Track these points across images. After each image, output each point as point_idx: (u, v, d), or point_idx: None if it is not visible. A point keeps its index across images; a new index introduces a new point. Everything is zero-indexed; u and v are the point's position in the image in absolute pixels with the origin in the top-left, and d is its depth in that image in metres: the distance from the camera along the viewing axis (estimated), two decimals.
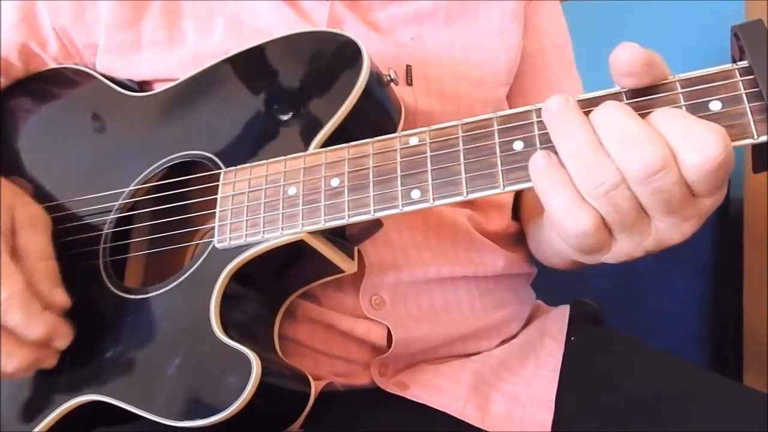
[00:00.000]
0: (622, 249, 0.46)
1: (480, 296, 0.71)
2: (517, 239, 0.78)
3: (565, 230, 0.44)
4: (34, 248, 0.56)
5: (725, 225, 1.14)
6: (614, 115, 0.42)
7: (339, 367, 0.66)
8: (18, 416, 0.58)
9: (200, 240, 0.68)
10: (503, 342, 0.72)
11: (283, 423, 0.56)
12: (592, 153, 0.42)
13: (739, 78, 0.43)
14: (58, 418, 0.57)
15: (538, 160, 0.45)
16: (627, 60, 0.43)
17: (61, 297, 0.57)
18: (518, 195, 0.79)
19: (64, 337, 0.56)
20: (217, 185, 0.58)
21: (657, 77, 0.44)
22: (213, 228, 0.66)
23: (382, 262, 0.65)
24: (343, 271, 0.60)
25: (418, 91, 0.67)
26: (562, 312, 0.76)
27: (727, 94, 0.43)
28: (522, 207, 0.77)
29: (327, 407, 0.61)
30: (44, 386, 0.58)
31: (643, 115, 0.43)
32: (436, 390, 0.65)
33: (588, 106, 0.46)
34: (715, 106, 0.43)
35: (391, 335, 0.64)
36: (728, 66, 0.44)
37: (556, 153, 0.44)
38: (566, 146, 0.43)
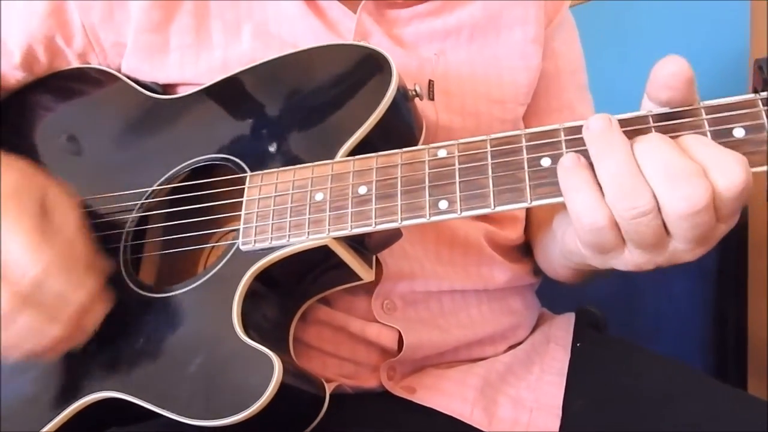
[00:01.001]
0: (634, 260, 0.47)
1: (489, 303, 0.73)
2: (525, 252, 0.79)
3: (581, 224, 0.45)
4: (68, 226, 0.56)
5: (729, 232, 1.15)
6: (660, 147, 0.43)
7: (347, 369, 0.67)
8: (33, 410, 0.58)
9: (216, 242, 0.69)
10: (510, 348, 0.74)
11: (298, 426, 0.56)
12: (633, 176, 0.43)
13: (761, 108, 0.45)
14: (73, 413, 0.57)
15: (567, 160, 0.46)
16: (673, 74, 0.44)
17: (102, 259, 0.57)
18: (529, 209, 0.80)
19: (101, 305, 0.56)
20: (241, 189, 0.59)
21: (690, 98, 0.46)
22: (231, 231, 0.67)
23: (399, 271, 0.66)
24: (361, 279, 0.61)
25: (440, 106, 0.69)
26: (568, 319, 0.78)
27: (751, 123, 0.45)
28: (532, 219, 0.79)
29: (335, 409, 0.62)
30: (61, 381, 0.58)
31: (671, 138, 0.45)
32: (443, 394, 0.66)
33: None
34: (739, 132, 0.45)
35: (401, 339, 0.65)
36: (752, 96, 0.46)
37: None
38: (608, 165, 0.44)
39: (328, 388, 0.62)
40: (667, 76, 0.45)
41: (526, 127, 0.77)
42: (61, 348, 0.54)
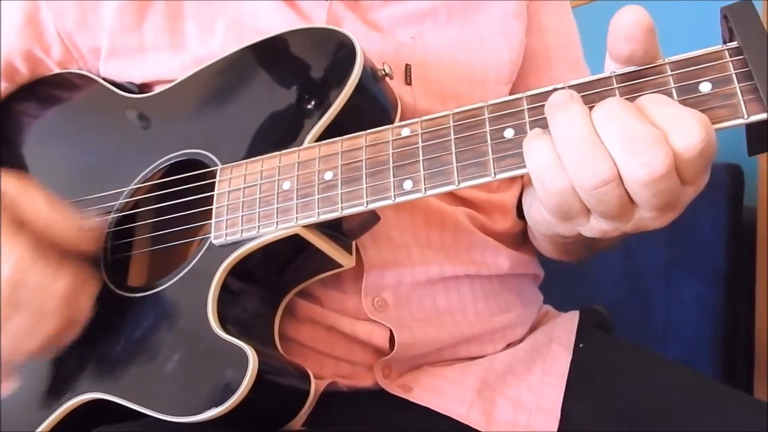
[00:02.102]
0: (600, 226, 0.45)
1: (485, 298, 0.71)
2: (524, 239, 0.77)
3: (545, 190, 0.43)
4: (33, 206, 0.53)
5: (738, 233, 1.12)
6: (617, 112, 0.41)
7: (342, 368, 0.65)
8: (20, 415, 0.58)
9: (195, 238, 0.69)
10: (509, 346, 0.72)
11: (282, 419, 0.56)
12: (591, 144, 0.41)
13: (728, 59, 0.43)
14: (61, 417, 0.57)
15: (532, 132, 0.45)
16: (632, 22, 0.42)
17: (87, 224, 0.55)
18: (521, 193, 0.78)
19: (89, 284, 0.54)
20: (212, 182, 0.59)
21: (652, 51, 0.43)
22: (207, 225, 0.67)
23: (383, 260, 0.64)
24: (341, 266, 0.60)
25: (417, 91, 0.67)
26: (571, 318, 0.76)
27: (717, 75, 0.43)
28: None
29: (331, 407, 0.61)
30: (46, 385, 0.58)
31: (633, 98, 0.43)
32: (440, 393, 0.64)
33: (580, 90, 0.46)
34: (705, 87, 0.43)
35: (393, 337, 0.64)
36: (717, 47, 0.44)
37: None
38: (565, 133, 0.42)
39: (321, 384, 0.62)
40: (626, 26, 0.42)
41: None
42: (63, 339, 0.54)
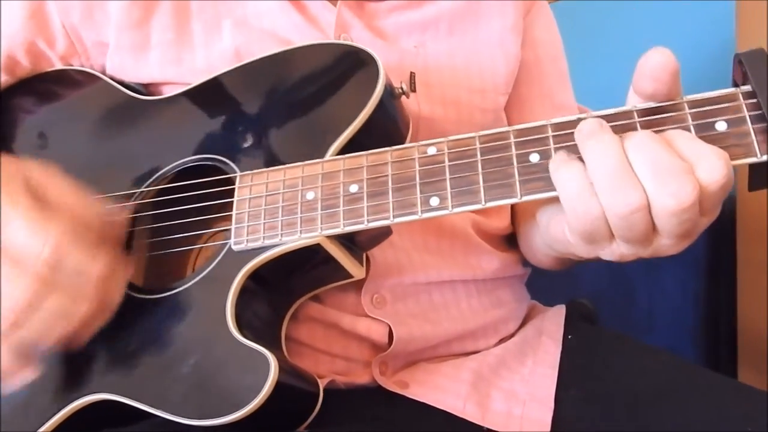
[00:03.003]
0: (620, 251, 0.48)
1: (478, 295, 0.74)
2: (512, 241, 0.81)
3: (575, 213, 0.46)
4: (65, 197, 0.54)
5: (718, 222, 1.15)
6: (648, 144, 0.44)
7: (339, 365, 0.67)
8: (25, 413, 0.57)
9: (205, 243, 0.69)
10: (501, 341, 0.75)
11: (294, 423, 0.57)
12: (625, 173, 0.44)
13: (742, 101, 0.47)
14: (67, 416, 0.57)
15: (558, 155, 0.48)
16: (659, 64, 0.45)
17: (115, 220, 0.56)
18: None
19: (124, 268, 0.54)
20: (231, 189, 0.60)
21: (674, 91, 0.47)
22: (221, 231, 0.67)
23: (386, 263, 0.67)
24: (352, 277, 0.61)
25: (421, 97, 0.70)
26: (559, 311, 0.80)
27: (732, 116, 0.46)
28: (516, 208, 0.80)
29: (328, 405, 0.62)
30: (55, 384, 0.57)
31: (654, 132, 0.47)
32: (436, 388, 0.67)
33: None
34: (721, 126, 0.47)
35: (391, 333, 0.66)
36: (732, 90, 0.47)
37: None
38: (599, 163, 0.44)
39: (321, 384, 0.63)
40: (654, 68, 0.46)
41: (507, 117, 0.79)
42: (93, 325, 0.53)
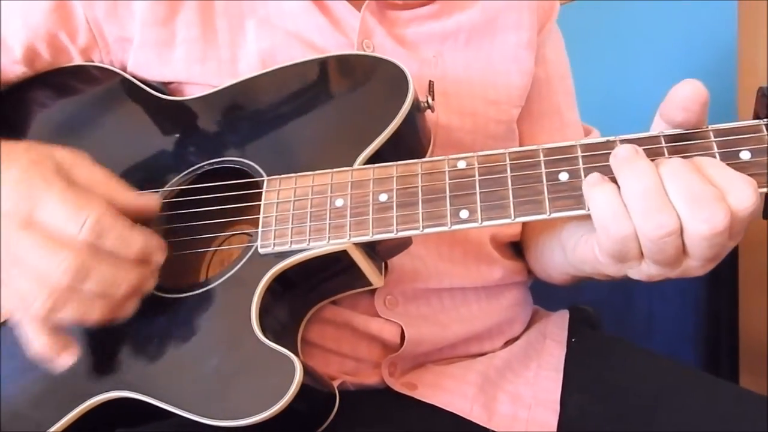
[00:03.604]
0: (649, 271, 0.50)
1: (487, 298, 0.76)
2: (517, 249, 0.83)
3: (608, 233, 0.48)
4: (94, 176, 0.55)
5: None
6: (683, 171, 0.46)
7: (348, 365, 0.69)
8: (43, 407, 0.57)
9: (220, 245, 0.69)
10: (506, 343, 0.77)
11: (312, 425, 0.57)
12: (660, 198, 0.46)
13: (765, 133, 0.49)
14: (82, 413, 0.56)
15: (592, 177, 0.49)
16: (689, 97, 0.48)
17: (148, 200, 0.57)
18: None
19: (161, 249, 0.55)
20: (256, 192, 0.60)
21: (702, 120, 0.49)
22: (237, 234, 0.68)
23: (403, 271, 0.69)
24: (371, 285, 0.62)
25: (439, 106, 0.71)
26: (562, 316, 0.82)
27: (756, 146, 0.49)
28: (528, 225, 0.82)
29: (338, 407, 0.63)
30: (72, 379, 0.57)
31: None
32: (443, 390, 0.68)
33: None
34: (745, 155, 0.49)
35: (402, 334, 0.68)
36: (756, 122, 0.50)
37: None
38: (635, 187, 0.46)
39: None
40: (685, 99, 0.48)
41: (518, 130, 0.81)
42: (137, 295, 0.54)
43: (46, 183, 0.51)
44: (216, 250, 0.70)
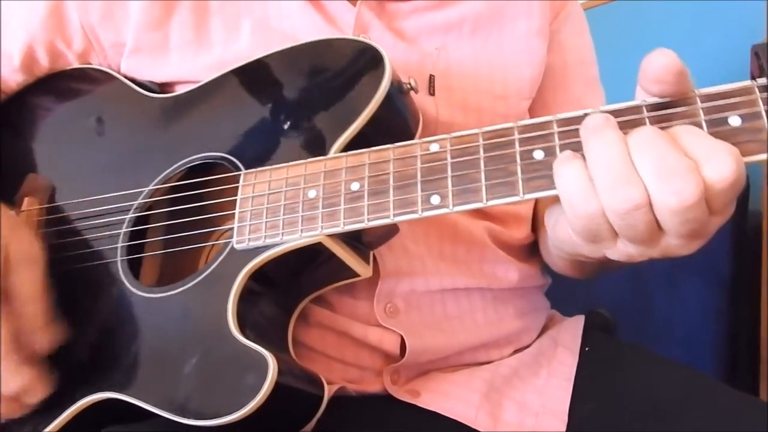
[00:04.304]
0: (627, 251, 0.46)
1: (494, 305, 0.72)
2: (533, 251, 0.78)
3: (575, 212, 0.44)
4: (26, 289, 0.54)
5: (743, 238, 1.14)
6: (652, 141, 0.42)
7: (351, 373, 0.66)
8: (31, 413, 0.58)
9: (216, 241, 0.69)
10: (516, 351, 0.73)
11: (296, 424, 0.56)
12: (625, 170, 0.42)
13: (758, 95, 0.44)
14: (72, 415, 0.57)
15: (563, 154, 0.46)
16: (662, 66, 0.43)
17: (47, 340, 0.55)
18: (535, 206, 0.79)
19: (35, 395, 0.55)
20: (236, 187, 0.59)
21: (683, 90, 0.45)
22: (230, 229, 0.67)
23: (398, 269, 0.65)
24: (358, 275, 0.60)
25: (441, 101, 0.68)
26: (576, 322, 0.77)
27: (747, 110, 0.44)
28: (536, 214, 0.78)
29: (339, 412, 0.62)
30: (61, 383, 0.58)
31: (663, 128, 0.44)
32: (448, 397, 0.65)
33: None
34: (735, 121, 0.44)
35: (404, 343, 0.65)
36: (747, 83, 0.45)
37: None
38: (600, 157, 0.43)
39: (330, 390, 0.62)
40: (657, 70, 0.44)
41: None
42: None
43: None
44: (214, 244, 0.69)
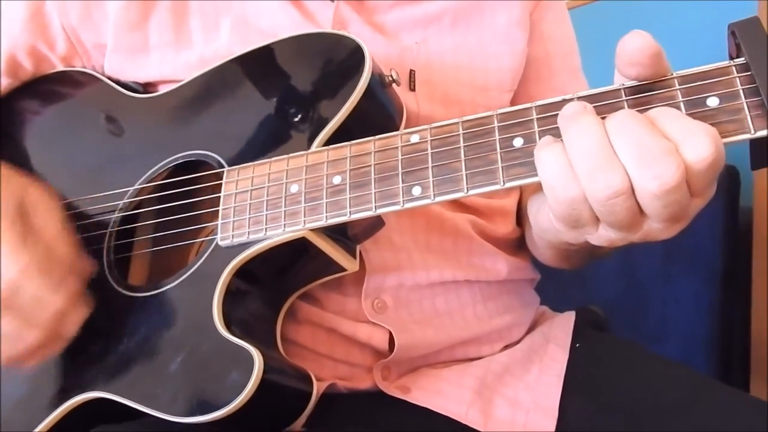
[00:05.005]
0: (608, 236, 0.46)
1: (483, 300, 0.71)
2: (521, 245, 0.78)
3: (555, 198, 0.44)
4: (49, 229, 0.55)
5: (734, 233, 1.14)
6: (630, 124, 0.41)
7: (341, 370, 0.66)
8: (21, 414, 0.58)
9: (204, 238, 0.69)
10: (506, 347, 0.73)
11: (284, 420, 0.56)
12: (605, 155, 0.41)
13: (736, 75, 0.44)
14: (62, 415, 0.57)
15: (543, 140, 0.45)
16: (637, 48, 0.43)
17: (85, 260, 0.57)
18: (519, 201, 0.79)
19: (77, 317, 0.55)
20: (221, 184, 0.59)
21: (660, 72, 0.44)
22: (216, 226, 0.67)
23: (384, 263, 0.65)
24: (345, 270, 0.60)
25: (421, 96, 0.68)
26: (568, 318, 0.77)
27: (725, 90, 0.44)
28: (521, 211, 0.78)
29: (330, 409, 0.61)
30: (47, 384, 0.58)
31: (642, 110, 0.44)
32: (438, 394, 0.65)
33: (589, 102, 0.46)
34: (713, 102, 0.44)
35: (392, 339, 0.64)
36: (725, 63, 0.44)
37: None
38: (579, 144, 0.42)
39: (321, 386, 0.62)
40: (632, 52, 0.43)
41: None
42: (40, 354, 0.54)
43: None
44: (202, 241, 0.69)
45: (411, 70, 0.68)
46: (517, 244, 0.78)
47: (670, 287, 1.18)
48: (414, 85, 0.68)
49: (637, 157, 0.41)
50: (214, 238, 0.57)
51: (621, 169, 0.41)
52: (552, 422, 0.63)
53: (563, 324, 0.75)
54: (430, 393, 0.65)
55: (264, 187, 0.56)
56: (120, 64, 0.71)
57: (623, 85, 0.46)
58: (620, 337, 0.76)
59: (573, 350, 0.71)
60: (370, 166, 0.53)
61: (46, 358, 0.55)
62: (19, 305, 0.51)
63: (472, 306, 0.70)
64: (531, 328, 0.77)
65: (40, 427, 0.57)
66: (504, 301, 0.74)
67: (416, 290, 0.67)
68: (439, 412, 0.64)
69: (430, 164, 0.51)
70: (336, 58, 0.59)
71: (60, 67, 0.74)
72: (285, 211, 0.55)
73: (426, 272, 0.67)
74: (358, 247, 0.61)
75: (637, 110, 0.44)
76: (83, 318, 0.55)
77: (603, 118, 0.44)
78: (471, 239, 0.71)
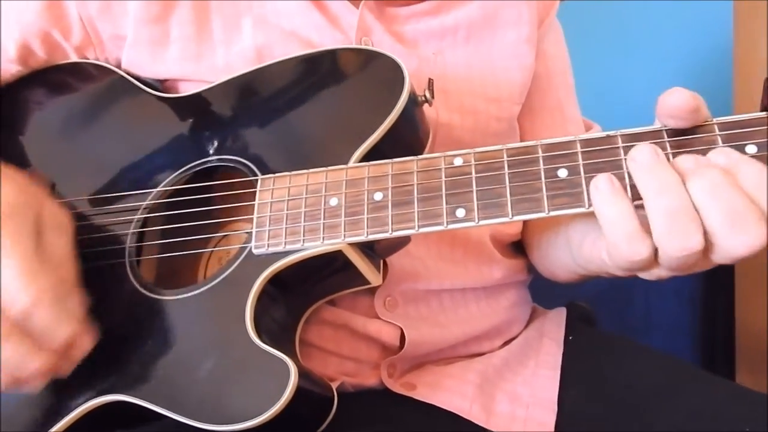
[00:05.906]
0: (660, 275, 0.48)
1: (486, 299, 0.75)
2: (518, 248, 0.82)
3: (620, 254, 0.46)
4: (59, 251, 0.54)
5: None
6: (722, 188, 0.43)
7: (347, 367, 0.68)
8: (37, 414, 0.57)
9: (216, 246, 0.68)
10: (505, 343, 0.76)
11: (310, 429, 0.56)
12: (689, 218, 0.43)
13: None
14: (79, 416, 0.56)
15: (602, 183, 0.47)
16: (676, 106, 0.46)
17: (80, 301, 0.54)
18: None
19: (85, 344, 0.54)
20: (250, 192, 0.59)
21: (699, 121, 0.47)
22: (229, 235, 0.67)
23: (402, 271, 0.67)
24: (369, 283, 0.61)
25: (439, 104, 0.70)
26: (559, 313, 0.81)
27: (762, 140, 0.47)
28: (529, 221, 0.80)
29: (337, 408, 0.62)
30: (70, 383, 0.56)
31: (681, 152, 0.47)
32: (443, 390, 0.68)
33: (630, 141, 0.49)
34: (751, 149, 0.47)
35: (402, 336, 0.67)
36: (762, 114, 0.48)
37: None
38: (661, 204, 0.43)
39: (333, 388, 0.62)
40: (671, 108, 0.46)
41: (519, 126, 0.80)
42: (43, 379, 0.52)
43: (14, 241, 0.50)
44: (212, 251, 0.69)
45: (430, 79, 0.70)
46: (517, 248, 0.82)
47: (653, 281, 1.22)
48: (433, 93, 0.70)
49: (727, 222, 0.42)
50: (247, 246, 0.57)
51: (701, 229, 0.43)
52: (552, 415, 0.66)
53: (556, 319, 0.80)
54: (435, 389, 0.68)
55: (302, 198, 0.57)
56: (139, 58, 0.70)
57: (665, 126, 0.49)
58: (609, 332, 0.80)
59: (566, 343, 0.75)
60: (413, 185, 0.54)
61: (48, 382, 0.53)
62: (28, 331, 0.49)
63: (476, 303, 0.74)
64: (526, 325, 0.81)
65: (56, 427, 0.56)
66: (504, 298, 0.77)
67: (426, 292, 0.70)
68: (444, 407, 0.66)
69: (474, 188, 0.52)
70: (375, 76, 0.60)
71: (74, 58, 0.73)
72: (324, 223, 0.55)
73: (439, 280, 0.70)
74: (381, 262, 0.63)
75: (677, 151, 0.47)
76: (92, 344, 0.54)
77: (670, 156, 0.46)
78: (480, 248, 0.74)
